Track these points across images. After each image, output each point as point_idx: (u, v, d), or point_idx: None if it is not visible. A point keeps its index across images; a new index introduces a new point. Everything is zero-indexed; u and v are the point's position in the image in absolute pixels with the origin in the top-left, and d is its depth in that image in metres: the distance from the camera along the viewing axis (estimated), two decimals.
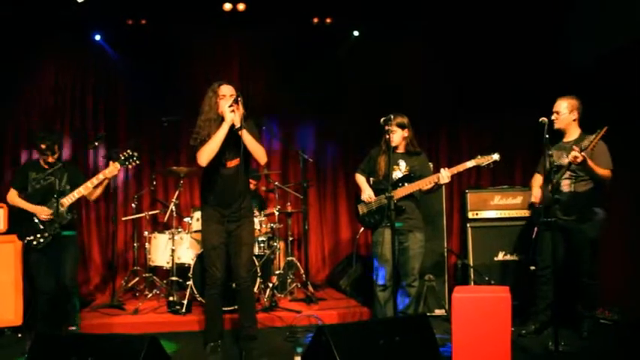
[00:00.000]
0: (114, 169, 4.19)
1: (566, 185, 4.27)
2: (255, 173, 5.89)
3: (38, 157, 4.39)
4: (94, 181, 4.18)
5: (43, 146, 4.30)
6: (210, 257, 3.97)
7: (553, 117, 4.28)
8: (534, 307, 4.45)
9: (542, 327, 4.39)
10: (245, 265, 3.95)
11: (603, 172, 4.10)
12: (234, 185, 3.85)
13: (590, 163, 3.97)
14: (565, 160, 4.13)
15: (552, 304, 4.24)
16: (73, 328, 4.40)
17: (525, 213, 5.23)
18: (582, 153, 3.88)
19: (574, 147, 3.95)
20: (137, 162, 4.27)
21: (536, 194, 4.42)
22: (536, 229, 4.24)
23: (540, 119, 3.84)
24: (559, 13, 5.82)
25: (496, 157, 4.06)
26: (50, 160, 4.34)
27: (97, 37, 6.28)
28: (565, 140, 4.36)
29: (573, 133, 4.34)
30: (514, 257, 5.25)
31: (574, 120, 4.31)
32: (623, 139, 4.02)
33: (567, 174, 4.21)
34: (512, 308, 3.68)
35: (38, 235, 4.21)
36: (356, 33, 6.52)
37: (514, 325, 4.45)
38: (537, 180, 4.56)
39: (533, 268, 4.48)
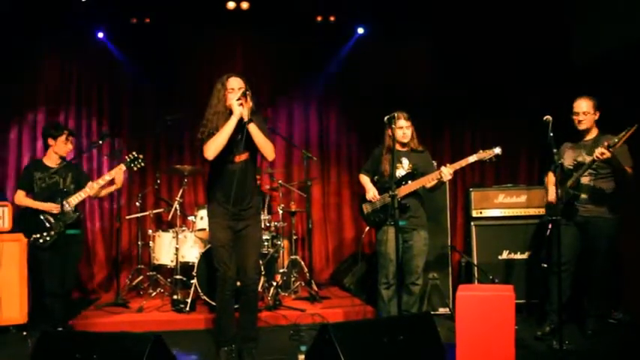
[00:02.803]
0: (119, 170, 4.22)
1: (586, 182, 4.26)
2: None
3: (43, 154, 4.41)
4: (100, 181, 4.20)
5: (65, 133, 4.40)
6: (220, 255, 3.79)
7: (580, 117, 4.26)
8: (549, 305, 4.40)
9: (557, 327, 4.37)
10: (253, 265, 3.88)
11: (628, 168, 4.13)
12: (242, 181, 3.76)
13: (617, 159, 4.00)
14: (587, 158, 4.13)
15: (565, 302, 4.21)
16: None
17: (529, 212, 5.22)
18: (610, 149, 3.88)
19: (605, 142, 3.94)
20: (142, 164, 4.31)
21: (552, 193, 4.38)
22: (550, 226, 4.20)
23: (545, 117, 3.82)
24: (562, 11, 5.80)
25: (498, 150, 4.05)
26: (70, 146, 4.43)
27: (101, 36, 6.29)
28: (586, 139, 4.35)
29: (593, 131, 4.35)
30: (518, 256, 5.24)
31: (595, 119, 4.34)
32: (628, 138, 4.01)
33: (587, 171, 4.21)
34: (515, 307, 3.67)
35: (45, 234, 4.22)
36: (361, 30, 6.51)
37: (529, 324, 4.43)
38: (551, 178, 4.53)
39: (545, 265, 4.48)
